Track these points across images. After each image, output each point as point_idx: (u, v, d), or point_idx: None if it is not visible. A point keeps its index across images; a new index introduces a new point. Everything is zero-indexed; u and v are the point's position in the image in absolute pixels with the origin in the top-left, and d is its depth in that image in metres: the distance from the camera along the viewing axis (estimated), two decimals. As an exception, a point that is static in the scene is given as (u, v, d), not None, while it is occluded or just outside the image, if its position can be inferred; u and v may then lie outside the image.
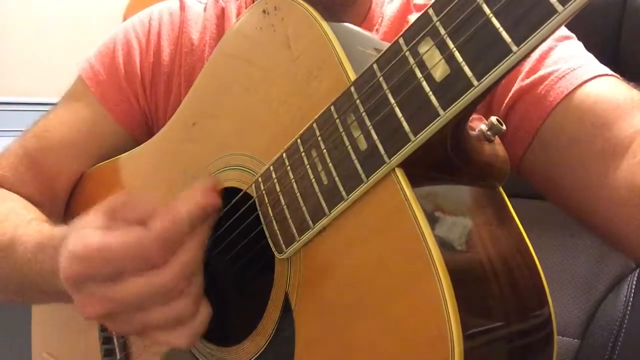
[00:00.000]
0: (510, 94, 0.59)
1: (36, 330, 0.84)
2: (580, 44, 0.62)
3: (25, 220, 0.64)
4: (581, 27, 0.58)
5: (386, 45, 0.41)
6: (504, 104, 0.60)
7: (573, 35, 0.63)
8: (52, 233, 0.57)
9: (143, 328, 0.47)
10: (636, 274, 0.81)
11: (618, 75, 0.57)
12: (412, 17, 0.69)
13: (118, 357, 0.65)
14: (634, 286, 0.80)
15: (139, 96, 0.76)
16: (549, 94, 0.56)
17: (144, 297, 0.45)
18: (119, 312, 0.46)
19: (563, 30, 0.62)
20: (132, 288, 0.45)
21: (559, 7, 0.31)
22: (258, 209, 0.49)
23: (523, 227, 0.44)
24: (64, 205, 0.78)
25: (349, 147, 0.42)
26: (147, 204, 0.47)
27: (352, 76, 0.43)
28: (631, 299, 0.79)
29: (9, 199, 0.72)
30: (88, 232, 0.46)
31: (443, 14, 0.36)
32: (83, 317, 0.47)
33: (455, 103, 0.36)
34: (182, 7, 0.78)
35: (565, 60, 0.58)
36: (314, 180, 0.44)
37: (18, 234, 0.61)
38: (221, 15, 0.76)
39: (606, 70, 0.57)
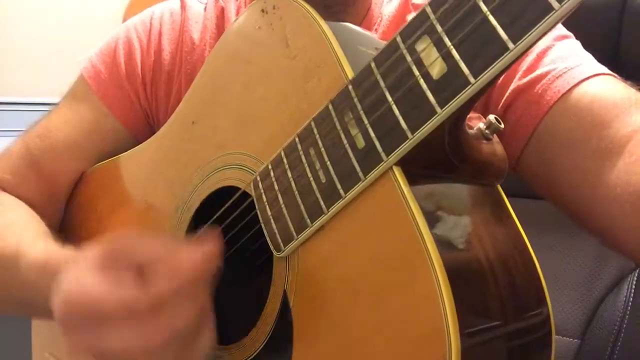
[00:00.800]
0: (507, 93, 0.59)
1: (37, 330, 0.84)
2: (578, 43, 0.62)
3: (30, 234, 0.63)
4: (581, 27, 0.58)
5: (384, 44, 0.41)
6: (501, 103, 0.60)
7: (571, 34, 0.63)
8: (57, 256, 0.56)
9: None
10: (636, 274, 0.81)
11: (615, 74, 0.57)
12: (410, 16, 0.69)
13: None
14: (634, 286, 0.80)
15: (140, 95, 0.76)
16: (546, 93, 0.56)
17: (127, 352, 0.43)
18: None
19: (561, 30, 0.62)
20: (117, 339, 0.43)
21: (555, 5, 0.31)
22: (256, 207, 0.49)
23: (523, 227, 0.44)
24: (63, 205, 0.78)
25: (347, 145, 0.42)
26: (151, 251, 0.45)
27: (350, 74, 0.43)
28: (631, 299, 0.79)
29: (11, 209, 0.72)
30: (84, 279, 0.45)
31: (440, 11, 0.36)
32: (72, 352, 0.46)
33: (453, 101, 0.36)
34: (183, 7, 0.78)
35: (562, 59, 0.58)
36: (311, 178, 0.44)
37: (22, 250, 0.60)
38: (221, 15, 0.76)
39: (603, 69, 0.57)
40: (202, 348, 0.45)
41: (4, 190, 0.75)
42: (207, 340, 0.45)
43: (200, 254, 0.44)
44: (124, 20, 1.88)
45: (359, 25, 0.61)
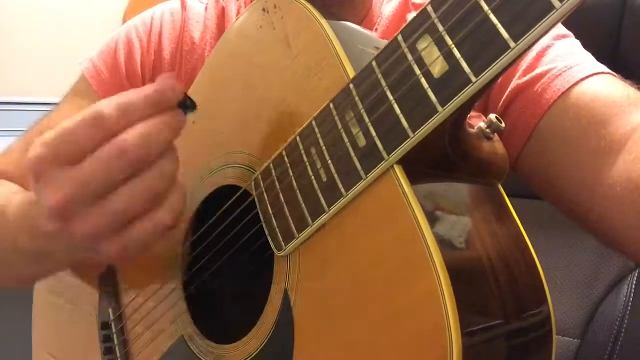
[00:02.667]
0: (507, 92, 0.59)
1: (37, 330, 0.84)
2: (577, 42, 0.62)
3: (10, 191, 0.63)
4: (581, 26, 0.59)
5: (385, 43, 0.41)
6: (501, 102, 0.60)
7: (570, 33, 0.63)
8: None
9: (114, 217, 0.43)
10: (636, 274, 0.81)
11: (615, 74, 0.58)
12: (411, 16, 0.69)
13: (118, 355, 0.65)
14: (634, 286, 0.80)
15: None
16: (545, 92, 0.56)
17: (134, 203, 0.42)
18: (114, 229, 0.43)
19: (560, 29, 0.62)
20: (120, 198, 0.42)
21: (557, 4, 0.31)
22: (257, 206, 0.49)
23: (523, 227, 0.44)
24: None
25: (348, 144, 0.42)
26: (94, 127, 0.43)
27: (351, 74, 0.43)
28: (631, 299, 0.79)
29: (6, 185, 0.72)
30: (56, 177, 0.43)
31: (442, 10, 0.37)
32: (46, 208, 0.44)
33: (454, 99, 0.36)
34: (184, 7, 0.78)
35: (562, 59, 0.58)
36: (313, 177, 0.44)
37: None
38: (222, 15, 0.77)
39: (603, 68, 0.57)
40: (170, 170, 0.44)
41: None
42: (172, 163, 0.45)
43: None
44: (124, 20, 1.88)
45: (360, 25, 0.61)
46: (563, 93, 0.55)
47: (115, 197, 0.42)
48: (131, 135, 0.42)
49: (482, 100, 0.60)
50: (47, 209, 0.43)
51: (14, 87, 1.86)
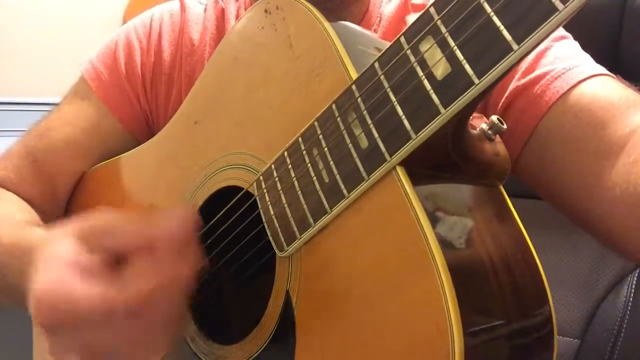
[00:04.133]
0: (506, 94, 0.59)
1: (38, 331, 0.84)
2: (576, 44, 0.62)
3: (13, 221, 0.63)
4: (581, 27, 0.59)
5: (387, 44, 0.41)
6: (500, 104, 0.60)
7: (569, 35, 0.63)
8: (28, 237, 0.55)
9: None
10: (636, 274, 0.81)
11: (614, 75, 0.58)
12: (410, 17, 0.69)
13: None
14: (634, 286, 0.80)
15: (140, 96, 0.76)
16: (544, 93, 0.56)
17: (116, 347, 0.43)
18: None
19: (560, 30, 0.62)
20: (96, 339, 0.43)
21: (560, 6, 0.32)
22: (259, 207, 0.49)
23: (523, 227, 0.45)
24: (64, 204, 0.78)
25: (350, 145, 0.42)
26: (128, 234, 0.44)
27: (354, 75, 0.43)
28: (631, 299, 0.79)
29: (6, 200, 0.72)
30: (59, 275, 0.43)
31: (444, 12, 0.37)
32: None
33: (456, 101, 0.36)
34: (183, 8, 0.78)
35: (561, 60, 0.58)
36: (315, 178, 0.44)
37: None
38: (221, 16, 0.76)
39: (602, 69, 0.58)
40: (174, 332, 0.45)
41: (6, 188, 0.75)
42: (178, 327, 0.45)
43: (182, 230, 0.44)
44: (124, 20, 1.88)
45: (358, 25, 0.61)
46: (562, 95, 0.55)
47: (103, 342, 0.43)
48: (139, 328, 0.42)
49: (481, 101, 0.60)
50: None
51: (14, 87, 1.86)
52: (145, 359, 0.45)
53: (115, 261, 0.44)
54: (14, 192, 0.75)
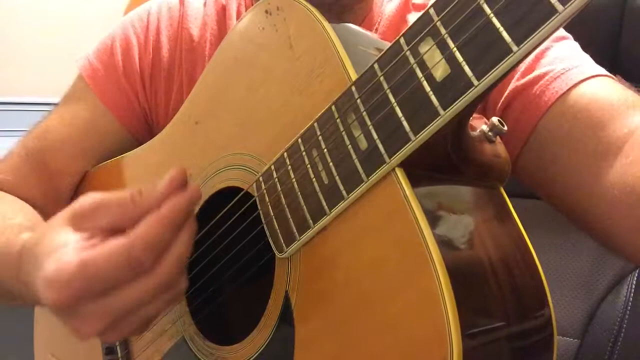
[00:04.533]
0: (505, 94, 0.59)
1: (39, 331, 0.84)
2: (576, 45, 0.62)
3: (7, 224, 0.62)
4: (581, 27, 0.58)
5: (387, 45, 0.41)
6: (500, 104, 0.60)
7: (569, 35, 0.63)
8: (19, 238, 0.56)
9: (140, 325, 0.46)
10: (636, 274, 0.81)
11: (613, 76, 0.58)
12: (411, 17, 0.69)
13: (119, 355, 0.65)
14: (634, 286, 0.80)
15: (139, 93, 0.75)
16: (544, 93, 0.56)
17: (141, 301, 0.44)
18: (118, 321, 0.45)
19: (560, 31, 0.62)
20: (127, 296, 0.44)
21: (559, 7, 0.31)
22: (259, 208, 0.49)
23: (523, 227, 0.45)
24: (66, 204, 0.77)
25: (350, 146, 0.42)
26: (119, 207, 0.45)
27: (354, 76, 0.43)
28: (631, 299, 0.79)
29: (5, 201, 0.72)
30: (62, 254, 0.44)
31: (444, 13, 0.36)
32: (81, 339, 0.46)
33: (456, 103, 0.36)
34: (181, 2, 0.77)
35: (560, 61, 0.58)
36: (314, 179, 0.44)
37: None
38: (222, 13, 0.76)
39: (601, 70, 0.57)
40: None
41: (5, 191, 0.74)
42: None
43: (173, 188, 0.44)
44: (124, 19, 1.87)
45: (360, 25, 0.61)
46: (561, 95, 0.55)
47: (145, 314, 0.45)
48: (166, 273, 0.44)
49: (480, 101, 0.60)
50: (83, 337, 0.46)
51: (14, 87, 1.86)
52: (165, 307, 0.46)
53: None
54: (14, 194, 0.74)
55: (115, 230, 0.44)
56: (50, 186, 0.76)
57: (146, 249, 0.43)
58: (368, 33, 0.53)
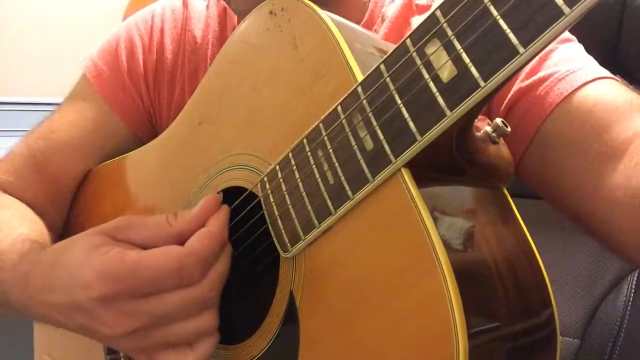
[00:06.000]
0: (509, 95, 0.60)
1: (38, 332, 0.84)
2: (580, 47, 0.62)
3: (14, 235, 0.63)
4: (581, 27, 0.58)
5: (392, 46, 0.41)
6: (504, 105, 0.60)
7: (574, 37, 0.63)
8: (33, 258, 0.56)
9: (160, 345, 0.47)
10: (636, 274, 0.81)
11: (617, 78, 0.58)
12: (415, 19, 0.69)
13: (121, 355, 0.65)
14: (634, 286, 0.80)
15: (143, 94, 0.76)
16: (548, 95, 0.56)
17: (178, 312, 0.46)
18: (148, 329, 0.46)
19: (564, 33, 0.62)
20: (166, 303, 0.45)
21: (566, 9, 0.32)
22: (263, 208, 0.49)
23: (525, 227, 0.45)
24: (67, 205, 0.78)
25: (355, 147, 0.42)
26: (155, 226, 0.48)
27: (359, 76, 0.44)
28: (631, 299, 0.79)
29: (7, 207, 0.71)
30: (105, 251, 0.46)
31: (450, 15, 0.37)
32: (107, 335, 0.47)
33: (462, 104, 0.36)
34: (185, 4, 0.78)
35: (565, 62, 0.58)
36: (319, 179, 0.44)
37: (0, 250, 0.60)
38: (223, 14, 0.76)
39: (606, 72, 0.58)
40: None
41: (7, 192, 0.74)
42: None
43: (215, 206, 0.49)
44: (124, 20, 1.87)
45: (358, 25, 0.61)
46: (565, 97, 0.56)
47: (170, 332, 0.47)
48: (209, 287, 0.47)
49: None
50: (107, 337, 0.48)
51: (14, 87, 1.86)
52: (190, 335, 0.47)
53: None
54: (16, 196, 0.74)
55: (147, 248, 0.46)
56: (52, 187, 0.76)
57: (198, 261, 0.45)
58: (372, 34, 0.53)
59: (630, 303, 0.79)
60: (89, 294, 0.46)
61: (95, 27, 1.79)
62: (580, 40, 0.63)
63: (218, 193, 0.56)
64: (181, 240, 0.47)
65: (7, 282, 0.57)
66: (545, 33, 0.32)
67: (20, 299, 0.55)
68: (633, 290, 0.80)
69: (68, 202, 0.78)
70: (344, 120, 0.43)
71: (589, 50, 0.62)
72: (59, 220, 0.78)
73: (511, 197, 0.46)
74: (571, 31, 0.63)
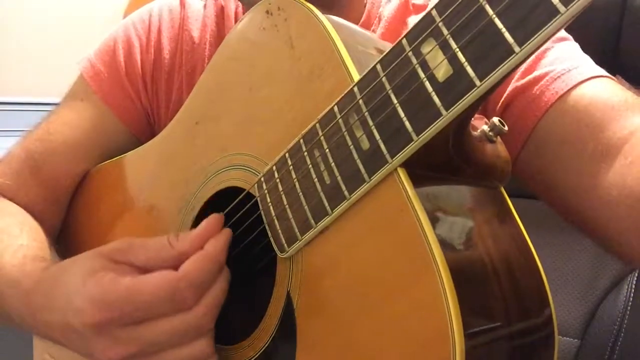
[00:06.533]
0: (505, 94, 0.59)
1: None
2: (576, 45, 0.62)
3: (15, 246, 0.63)
4: (581, 27, 0.59)
5: (388, 45, 0.41)
6: (499, 104, 0.60)
7: (569, 36, 0.63)
8: (36, 277, 0.56)
9: (151, 347, 0.47)
10: (636, 274, 0.81)
11: (613, 77, 0.58)
12: (411, 18, 0.69)
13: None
14: (634, 286, 0.80)
15: (141, 94, 0.76)
16: (543, 94, 0.56)
17: (171, 338, 0.45)
18: (141, 355, 0.46)
19: (560, 32, 0.62)
20: (160, 329, 0.45)
21: (562, 8, 0.32)
22: (260, 208, 0.49)
23: (523, 227, 0.45)
24: (65, 206, 0.78)
25: (352, 146, 0.42)
26: (156, 247, 0.48)
27: (355, 76, 0.43)
28: (631, 298, 0.79)
29: (7, 214, 0.71)
30: (102, 276, 0.46)
31: (446, 14, 0.37)
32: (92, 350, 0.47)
33: (458, 103, 0.36)
34: (182, 4, 0.78)
35: (561, 61, 0.58)
36: (316, 179, 0.44)
37: (1, 263, 0.60)
38: (221, 14, 0.76)
39: (601, 71, 0.58)
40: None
41: (4, 195, 0.74)
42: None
43: (215, 229, 0.49)
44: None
45: (357, 25, 0.61)
46: (561, 96, 0.55)
47: (158, 332, 0.46)
48: (203, 314, 0.46)
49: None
50: (98, 355, 0.47)
51: (14, 87, 1.86)
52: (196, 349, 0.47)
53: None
54: (13, 199, 0.74)
55: (149, 270, 0.46)
56: (51, 189, 0.76)
57: (192, 286, 0.45)
58: (369, 34, 0.53)
59: (630, 303, 0.79)
60: (82, 320, 0.46)
61: (95, 27, 1.79)
62: (580, 41, 0.63)
63: (216, 193, 0.56)
64: (182, 262, 0.47)
65: (9, 298, 0.57)
66: (540, 32, 0.32)
67: (21, 315, 0.55)
68: (633, 290, 0.80)
69: (66, 203, 0.78)
70: (340, 120, 0.43)
71: (588, 50, 0.62)
72: (57, 221, 0.78)
73: (510, 197, 0.46)
74: (571, 32, 0.63)
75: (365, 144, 0.41)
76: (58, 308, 0.49)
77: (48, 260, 0.60)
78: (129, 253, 0.48)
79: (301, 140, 0.46)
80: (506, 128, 0.44)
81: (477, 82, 0.35)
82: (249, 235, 0.53)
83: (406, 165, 0.39)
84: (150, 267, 0.47)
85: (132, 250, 0.48)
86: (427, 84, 0.37)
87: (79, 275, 0.47)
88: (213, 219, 0.49)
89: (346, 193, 0.42)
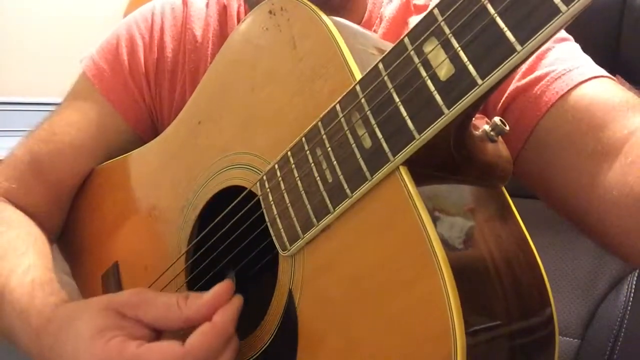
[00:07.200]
0: (506, 94, 0.60)
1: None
2: (577, 46, 0.63)
3: (23, 266, 0.63)
4: (581, 27, 0.59)
5: (390, 45, 0.41)
6: (500, 104, 0.60)
7: (570, 37, 0.63)
8: (46, 315, 0.56)
9: None
10: (636, 274, 0.82)
11: (613, 77, 0.58)
12: (412, 19, 0.69)
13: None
14: (634, 286, 0.81)
15: (144, 92, 0.76)
16: (544, 94, 0.57)
17: None
18: None
19: (561, 32, 0.62)
20: None
21: (563, 7, 0.32)
22: (262, 206, 0.49)
23: (524, 227, 0.45)
24: (69, 205, 0.78)
25: (354, 145, 0.42)
26: (165, 307, 0.48)
27: (358, 75, 0.44)
28: (631, 298, 0.80)
29: (11, 226, 0.70)
30: (118, 341, 0.46)
31: (448, 13, 0.37)
32: None
33: (460, 102, 0.36)
34: (185, 3, 0.77)
35: (561, 61, 0.58)
36: (318, 178, 0.44)
37: (10, 286, 0.60)
38: (223, 13, 0.76)
39: (602, 71, 0.58)
40: None
41: (8, 199, 0.74)
42: None
43: (224, 299, 0.48)
44: (125, 19, 1.87)
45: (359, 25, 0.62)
46: (561, 96, 0.56)
47: None
48: None
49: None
50: None
51: (14, 87, 1.86)
52: None
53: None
54: (18, 203, 0.74)
55: (155, 328, 0.47)
56: (55, 191, 0.75)
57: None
58: (371, 34, 0.53)
59: (630, 303, 0.79)
60: None
61: (95, 27, 1.79)
62: (580, 41, 0.63)
63: (218, 191, 0.56)
64: (189, 325, 0.47)
65: (19, 331, 0.57)
66: (542, 31, 0.32)
67: (29, 348, 0.55)
68: (633, 290, 0.80)
69: (69, 202, 0.77)
70: (342, 119, 0.43)
71: (588, 50, 0.62)
72: (60, 220, 0.78)
73: (511, 197, 0.46)
74: (571, 31, 0.64)
75: (367, 143, 0.41)
76: (66, 357, 0.49)
77: (56, 287, 0.60)
78: (138, 309, 0.48)
79: (303, 139, 0.46)
80: (507, 128, 0.44)
81: (479, 81, 0.35)
82: (250, 233, 0.53)
83: (408, 163, 0.40)
84: (157, 326, 0.48)
85: (142, 306, 0.48)
86: (429, 83, 0.38)
87: (87, 330, 0.47)
88: (224, 286, 0.48)
89: (348, 191, 0.42)
